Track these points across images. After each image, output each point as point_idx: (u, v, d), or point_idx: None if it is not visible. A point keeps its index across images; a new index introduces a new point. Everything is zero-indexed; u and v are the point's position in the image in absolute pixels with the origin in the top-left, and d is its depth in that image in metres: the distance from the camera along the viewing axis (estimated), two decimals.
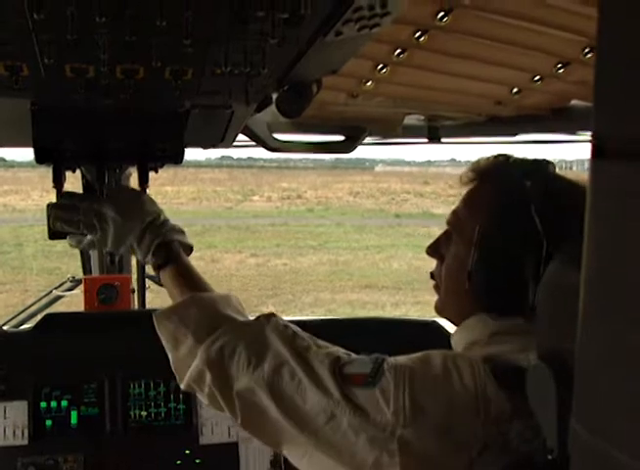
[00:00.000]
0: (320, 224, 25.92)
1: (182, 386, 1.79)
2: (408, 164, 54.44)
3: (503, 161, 1.71)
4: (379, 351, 1.65)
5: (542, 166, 1.69)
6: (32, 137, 1.90)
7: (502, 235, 1.58)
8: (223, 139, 2.15)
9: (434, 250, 1.79)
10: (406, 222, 25.94)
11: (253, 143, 2.53)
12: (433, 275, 1.83)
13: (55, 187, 2.11)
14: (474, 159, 1.76)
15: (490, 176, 1.70)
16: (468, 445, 1.42)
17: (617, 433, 0.80)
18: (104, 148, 2.02)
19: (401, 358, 1.56)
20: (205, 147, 2.33)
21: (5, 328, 3.36)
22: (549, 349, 1.23)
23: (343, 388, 1.52)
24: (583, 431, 0.83)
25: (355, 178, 39.29)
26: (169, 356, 1.86)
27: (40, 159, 1.99)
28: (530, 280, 1.52)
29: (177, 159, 2.06)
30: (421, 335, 1.79)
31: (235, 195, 33.21)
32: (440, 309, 1.82)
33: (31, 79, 1.53)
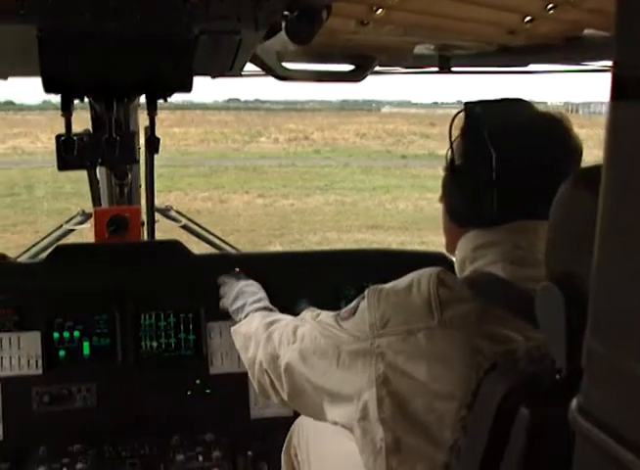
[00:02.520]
0: (327, 165, 25.80)
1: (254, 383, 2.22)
2: (415, 105, 53.96)
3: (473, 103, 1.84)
4: (386, 281, 1.73)
5: (503, 101, 1.85)
6: (40, 65, 1.87)
7: (459, 158, 1.77)
8: (232, 67, 2.12)
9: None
10: (412, 163, 25.82)
11: (263, 72, 2.50)
12: None
13: (63, 116, 2.11)
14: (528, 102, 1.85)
15: (460, 117, 1.82)
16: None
17: (633, 345, 0.81)
18: (112, 76, 2.00)
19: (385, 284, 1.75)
20: (213, 75, 2.30)
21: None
22: (558, 270, 1.24)
23: (340, 325, 1.78)
24: (599, 345, 0.85)
25: (362, 120, 38.97)
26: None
27: (48, 88, 1.97)
28: (486, 194, 1.68)
29: (186, 87, 2.03)
30: (427, 266, 1.82)
31: (242, 136, 33.02)
32: (445, 247, 1.97)
33: (37, 3, 1.51)
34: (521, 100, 1.83)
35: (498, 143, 1.67)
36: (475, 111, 1.78)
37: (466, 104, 1.81)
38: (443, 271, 1.66)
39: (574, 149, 1.75)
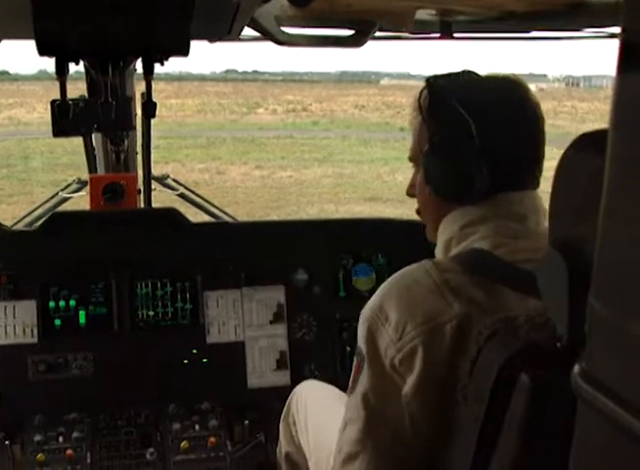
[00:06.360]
0: (325, 137, 25.75)
1: None
2: (414, 77, 53.72)
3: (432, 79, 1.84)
4: (383, 249, 1.72)
5: (460, 71, 1.84)
6: (33, 28, 1.83)
7: (437, 133, 1.75)
8: (230, 31, 2.09)
9: (410, 190, 1.97)
10: None
11: (261, 37, 2.45)
12: (419, 212, 1.97)
13: (58, 80, 2.07)
14: (480, 72, 1.88)
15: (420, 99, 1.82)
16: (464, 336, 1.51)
17: (634, 306, 0.80)
18: (107, 38, 1.96)
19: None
20: (211, 39, 2.26)
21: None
22: (561, 236, 1.22)
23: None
24: (603, 309, 0.85)
25: (361, 91, 38.90)
26: None
27: (42, 51, 1.93)
28: (472, 162, 1.68)
29: (183, 50, 1.99)
30: (423, 235, 1.83)
31: (240, 108, 32.92)
32: (427, 235, 1.94)
33: None
34: (472, 71, 1.84)
35: (472, 110, 1.68)
36: (440, 84, 1.79)
37: (428, 80, 1.82)
38: (432, 261, 1.66)
39: (536, 109, 1.77)
